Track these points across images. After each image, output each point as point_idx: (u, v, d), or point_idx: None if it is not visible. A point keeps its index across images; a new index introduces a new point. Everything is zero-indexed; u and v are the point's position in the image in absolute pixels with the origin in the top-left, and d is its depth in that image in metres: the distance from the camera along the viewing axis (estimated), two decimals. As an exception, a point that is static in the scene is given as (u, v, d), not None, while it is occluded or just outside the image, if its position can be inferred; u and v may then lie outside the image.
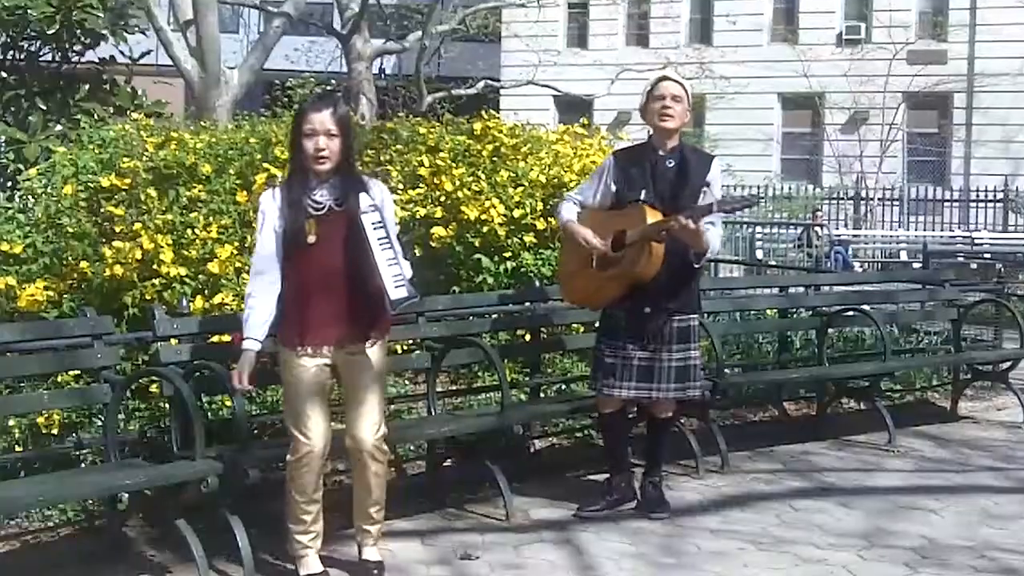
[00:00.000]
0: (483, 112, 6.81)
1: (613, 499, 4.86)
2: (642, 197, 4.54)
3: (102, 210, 5.58)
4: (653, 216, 4.49)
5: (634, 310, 4.61)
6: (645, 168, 4.62)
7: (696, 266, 4.62)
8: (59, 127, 9.96)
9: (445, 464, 5.17)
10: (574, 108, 20.36)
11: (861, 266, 18.56)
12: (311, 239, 3.77)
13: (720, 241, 4.97)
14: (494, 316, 5.55)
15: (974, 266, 14.65)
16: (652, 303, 4.59)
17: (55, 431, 4.76)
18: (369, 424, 3.91)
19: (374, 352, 3.92)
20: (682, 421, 5.59)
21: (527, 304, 5.60)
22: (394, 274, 3.71)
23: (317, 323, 3.83)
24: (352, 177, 3.88)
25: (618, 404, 4.80)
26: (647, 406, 4.85)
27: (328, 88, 14.27)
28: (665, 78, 4.65)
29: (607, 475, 4.94)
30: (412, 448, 5.29)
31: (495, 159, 6.37)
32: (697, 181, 4.61)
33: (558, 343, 5.84)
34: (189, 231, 5.38)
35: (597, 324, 4.88)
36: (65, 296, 5.31)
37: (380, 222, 3.75)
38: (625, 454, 5.01)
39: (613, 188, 4.64)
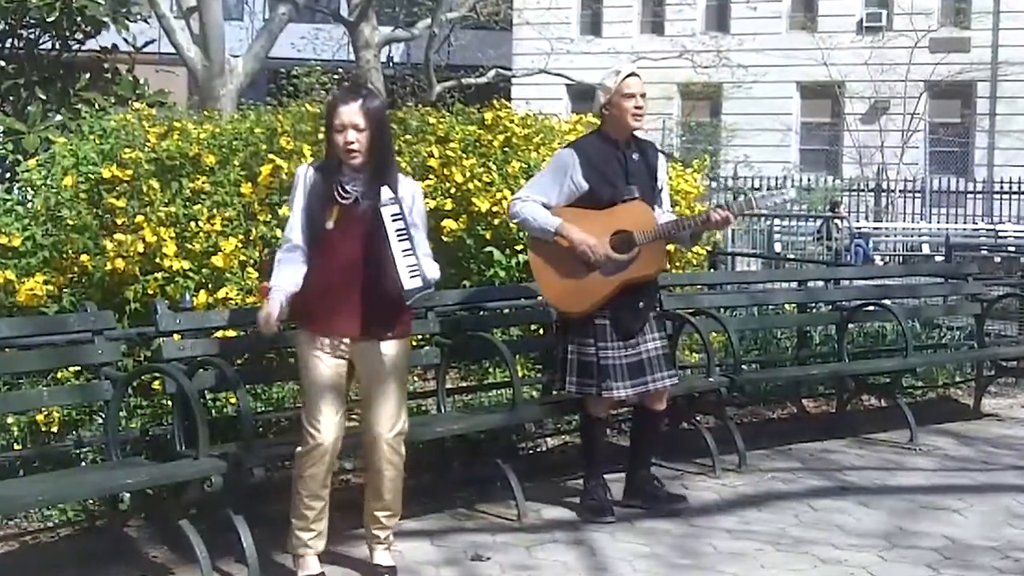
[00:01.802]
0: (494, 101, 6.74)
1: (606, 498, 4.75)
2: (636, 195, 4.52)
3: (103, 202, 5.52)
4: (650, 214, 4.51)
5: (625, 307, 4.55)
6: (615, 164, 4.55)
7: None
8: (59, 117, 9.85)
9: (455, 463, 5.11)
10: (587, 97, 20.18)
11: (882, 260, 18.40)
12: (329, 225, 3.77)
13: None
14: (506, 311, 5.48)
15: (998, 259, 14.55)
16: (646, 298, 4.61)
17: (55, 429, 4.71)
18: (387, 420, 3.87)
19: (393, 347, 3.89)
20: (698, 418, 5.53)
21: (539, 298, 5.49)
22: (408, 264, 3.70)
23: (336, 314, 3.82)
24: (382, 171, 3.84)
25: (611, 407, 4.75)
26: (644, 400, 4.75)
27: (337, 77, 14.17)
28: (633, 74, 4.56)
29: (588, 477, 4.78)
30: (421, 446, 5.19)
31: (506, 149, 6.29)
32: (655, 172, 4.68)
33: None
34: (192, 224, 5.32)
35: (568, 328, 4.68)
36: (65, 290, 5.26)
37: (399, 214, 3.74)
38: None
39: (585, 185, 4.52)
